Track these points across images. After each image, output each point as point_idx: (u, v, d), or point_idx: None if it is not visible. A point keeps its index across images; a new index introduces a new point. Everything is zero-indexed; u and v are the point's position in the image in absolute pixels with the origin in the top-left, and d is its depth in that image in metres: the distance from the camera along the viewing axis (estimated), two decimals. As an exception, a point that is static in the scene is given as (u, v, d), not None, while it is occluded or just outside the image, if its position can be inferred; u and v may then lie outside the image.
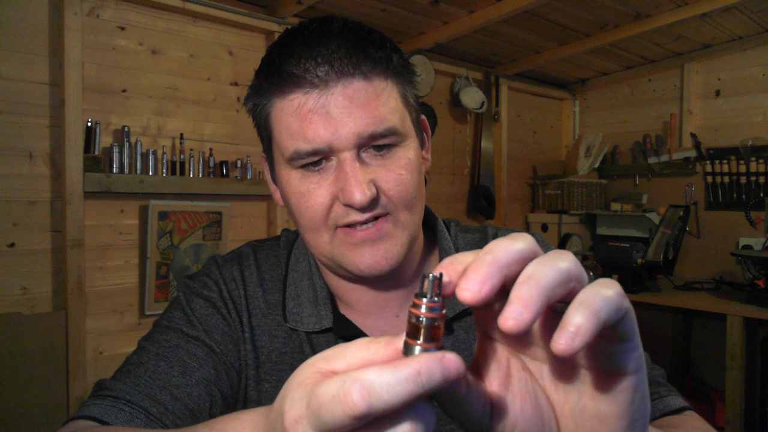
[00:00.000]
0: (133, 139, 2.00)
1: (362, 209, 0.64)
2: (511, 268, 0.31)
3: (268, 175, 0.77)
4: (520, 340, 0.36)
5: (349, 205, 0.64)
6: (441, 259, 0.76)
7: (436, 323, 0.31)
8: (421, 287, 0.31)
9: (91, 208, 1.92)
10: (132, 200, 2.02)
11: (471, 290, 0.30)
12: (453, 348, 0.73)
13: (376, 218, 0.66)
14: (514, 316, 0.29)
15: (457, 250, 0.78)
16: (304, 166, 0.65)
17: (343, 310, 0.76)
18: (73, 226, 1.82)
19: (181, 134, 2.12)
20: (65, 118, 1.80)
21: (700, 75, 3.28)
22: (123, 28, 2.01)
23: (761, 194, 2.97)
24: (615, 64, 3.46)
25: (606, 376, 0.32)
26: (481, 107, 3.15)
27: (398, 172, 0.65)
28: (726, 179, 3.11)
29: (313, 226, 0.67)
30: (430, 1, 2.39)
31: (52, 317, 1.80)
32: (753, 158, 3.00)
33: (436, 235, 0.80)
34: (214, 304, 0.74)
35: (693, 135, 3.22)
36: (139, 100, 2.05)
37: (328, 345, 0.73)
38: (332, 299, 0.76)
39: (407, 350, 0.31)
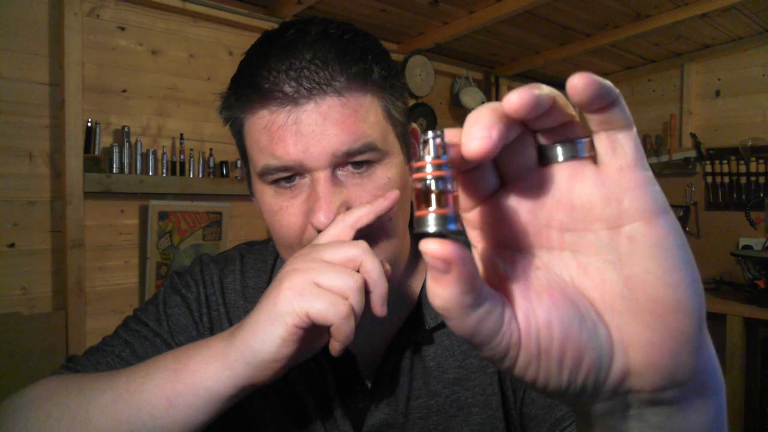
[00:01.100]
0: (133, 140, 2.00)
1: None
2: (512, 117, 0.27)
3: (249, 186, 0.73)
4: (527, 224, 0.31)
5: (318, 229, 0.59)
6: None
7: (446, 184, 0.26)
8: (422, 150, 0.27)
9: (91, 208, 1.91)
10: (132, 200, 2.02)
11: (479, 137, 0.26)
12: (436, 356, 0.70)
13: None
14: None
15: None
16: (275, 182, 0.61)
17: None
18: (73, 226, 1.82)
19: (181, 134, 2.12)
20: (65, 118, 1.80)
21: (699, 75, 3.28)
22: (123, 29, 2.01)
23: (761, 194, 2.97)
24: (615, 64, 3.46)
25: (641, 225, 0.27)
26: (481, 107, 3.15)
27: (375, 194, 0.60)
28: (726, 179, 3.11)
29: (286, 244, 0.64)
30: (430, 1, 2.39)
31: (52, 317, 1.80)
32: (753, 158, 3.00)
33: None
34: (189, 306, 0.74)
35: (693, 135, 3.22)
36: (139, 100, 2.05)
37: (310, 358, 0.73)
38: None
39: (419, 223, 0.26)
